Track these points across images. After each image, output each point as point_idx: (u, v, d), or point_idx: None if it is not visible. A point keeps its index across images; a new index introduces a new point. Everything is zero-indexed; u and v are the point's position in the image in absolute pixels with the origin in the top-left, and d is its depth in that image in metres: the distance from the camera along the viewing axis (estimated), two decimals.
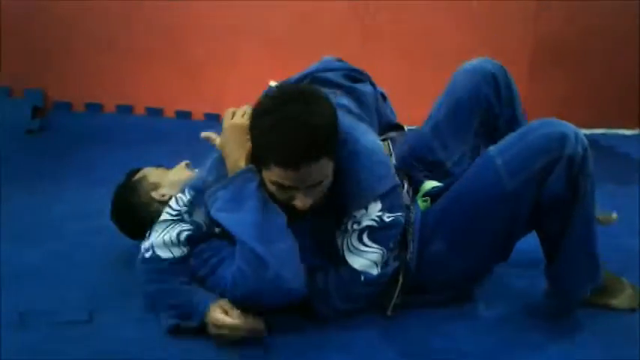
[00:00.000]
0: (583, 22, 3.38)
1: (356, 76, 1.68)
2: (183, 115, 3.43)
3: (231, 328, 1.38)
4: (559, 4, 3.35)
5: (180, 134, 3.12)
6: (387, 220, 1.44)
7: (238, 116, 1.44)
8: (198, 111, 3.43)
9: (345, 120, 1.46)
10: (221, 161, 1.47)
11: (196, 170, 1.69)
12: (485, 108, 1.68)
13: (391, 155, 1.62)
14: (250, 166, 1.41)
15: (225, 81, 3.34)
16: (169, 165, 1.84)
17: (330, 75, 1.64)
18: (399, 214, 1.46)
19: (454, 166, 1.69)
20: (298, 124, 1.30)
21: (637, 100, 3.47)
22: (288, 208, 1.40)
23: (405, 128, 1.79)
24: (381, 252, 1.45)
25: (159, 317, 1.48)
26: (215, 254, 1.47)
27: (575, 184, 1.38)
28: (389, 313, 1.54)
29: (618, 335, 1.51)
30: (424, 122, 1.75)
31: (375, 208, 1.43)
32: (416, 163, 1.70)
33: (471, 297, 1.64)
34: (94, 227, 1.97)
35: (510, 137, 1.47)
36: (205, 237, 1.49)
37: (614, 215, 1.72)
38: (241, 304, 1.39)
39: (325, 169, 1.35)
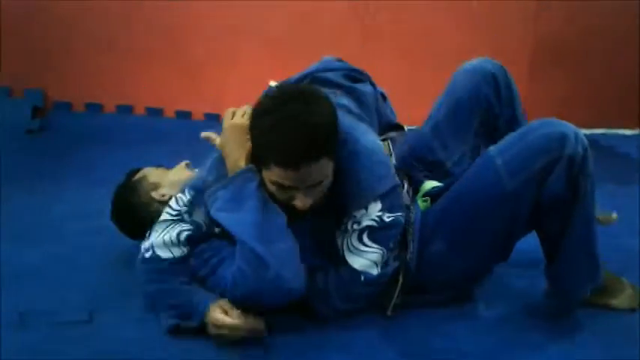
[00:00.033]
0: (583, 22, 3.37)
1: (356, 76, 1.68)
2: (183, 115, 3.42)
3: (231, 328, 1.38)
4: (559, 4, 3.34)
5: (180, 134, 3.11)
6: (387, 220, 1.43)
7: (238, 116, 1.44)
8: (198, 111, 3.42)
9: (345, 120, 1.46)
10: (221, 161, 1.47)
11: (196, 170, 1.69)
12: (485, 108, 1.68)
13: (391, 155, 1.62)
14: (250, 166, 1.41)
15: (225, 81, 3.34)
16: (169, 165, 1.84)
17: (330, 75, 1.64)
18: (399, 214, 1.46)
19: (454, 166, 1.69)
20: (298, 123, 1.30)
21: (637, 100, 3.47)
22: (288, 208, 1.40)
23: (405, 128, 1.79)
24: (381, 252, 1.45)
25: (159, 317, 1.48)
26: (215, 254, 1.47)
27: (575, 184, 1.38)
28: (389, 313, 1.54)
29: (618, 335, 1.51)
30: (424, 122, 1.75)
31: (375, 208, 1.43)
32: (416, 163, 1.70)
33: (471, 297, 1.64)
34: (94, 227, 1.96)
35: (510, 137, 1.47)
36: (205, 237, 1.49)
37: (614, 215, 1.72)
38: (241, 304, 1.39)
39: (325, 169, 1.35)
